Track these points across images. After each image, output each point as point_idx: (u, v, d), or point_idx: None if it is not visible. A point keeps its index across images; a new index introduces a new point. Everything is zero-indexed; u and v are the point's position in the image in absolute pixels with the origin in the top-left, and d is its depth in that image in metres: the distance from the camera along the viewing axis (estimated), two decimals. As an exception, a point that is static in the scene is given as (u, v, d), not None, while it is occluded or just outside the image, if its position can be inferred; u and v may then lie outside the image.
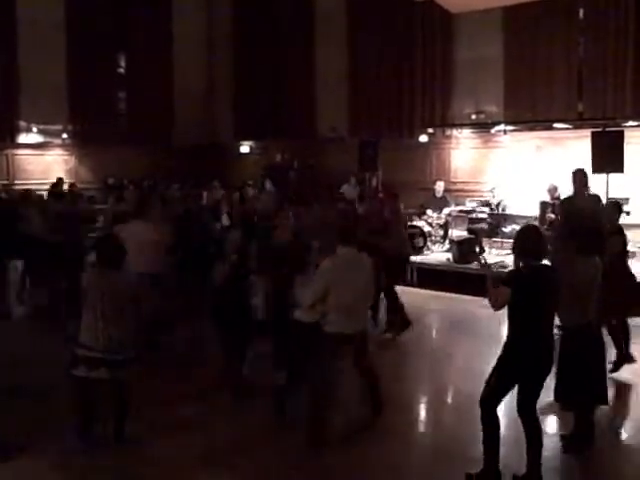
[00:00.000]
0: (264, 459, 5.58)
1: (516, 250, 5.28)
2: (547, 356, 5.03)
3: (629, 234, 12.21)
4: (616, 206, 8.22)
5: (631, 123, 12.92)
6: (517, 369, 4.98)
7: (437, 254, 13.27)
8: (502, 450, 5.05)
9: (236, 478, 5.34)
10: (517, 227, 11.50)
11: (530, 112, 14.78)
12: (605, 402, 5.75)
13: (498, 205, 13.49)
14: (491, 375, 5.13)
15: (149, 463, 5.48)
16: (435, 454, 5.78)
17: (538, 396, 5.04)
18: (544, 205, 11.80)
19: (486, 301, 5.12)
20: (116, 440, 5.72)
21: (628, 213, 9.99)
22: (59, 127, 19.00)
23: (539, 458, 5.00)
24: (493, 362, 5.11)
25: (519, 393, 5.02)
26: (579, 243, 5.58)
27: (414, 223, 13.64)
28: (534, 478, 4.99)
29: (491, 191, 13.87)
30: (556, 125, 14.18)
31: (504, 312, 5.02)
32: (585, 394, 5.58)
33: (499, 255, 12.13)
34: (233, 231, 8.16)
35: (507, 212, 13.30)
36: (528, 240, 5.13)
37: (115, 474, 5.32)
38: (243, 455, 5.65)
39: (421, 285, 11.92)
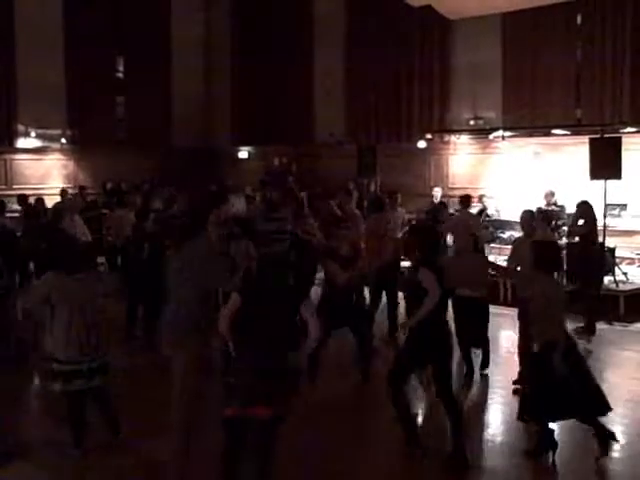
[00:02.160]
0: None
1: (416, 247, 5.75)
2: (449, 341, 5.71)
3: (629, 240, 12.42)
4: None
5: (629, 129, 12.95)
6: (427, 354, 5.54)
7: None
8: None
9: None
10: (515, 233, 11.53)
11: (528, 118, 14.81)
12: (602, 413, 5.71)
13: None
14: (402, 355, 5.71)
15: (146, 465, 5.46)
16: (436, 459, 5.78)
17: (451, 376, 5.75)
18: (540, 212, 11.81)
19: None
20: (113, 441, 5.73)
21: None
22: (57, 131, 18.98)
23: (462, 434, 5.49)
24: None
25: (436, 378, 5.61)
26: (540, 261, 5.76)
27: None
28: (460, 456, 5.45)
29: (480, 199, 13.82)
30: (554, 131, 14.21)
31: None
32: (573, 409, 5.59)
33: (497, 260, 12.10)
34: None
35: (505, 218, 13.28)
36: (427, 238, 5.73)
37: (113, 476, 5.29)
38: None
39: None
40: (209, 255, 5.00)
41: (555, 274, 5.84)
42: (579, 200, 10.09)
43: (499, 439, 6.18)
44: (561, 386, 5.43)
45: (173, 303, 4.96)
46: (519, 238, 7.97)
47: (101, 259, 11.33)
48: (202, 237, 5.12)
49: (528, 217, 7.70)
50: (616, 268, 10.90)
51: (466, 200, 11.66)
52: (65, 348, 5.44)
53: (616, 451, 5.90)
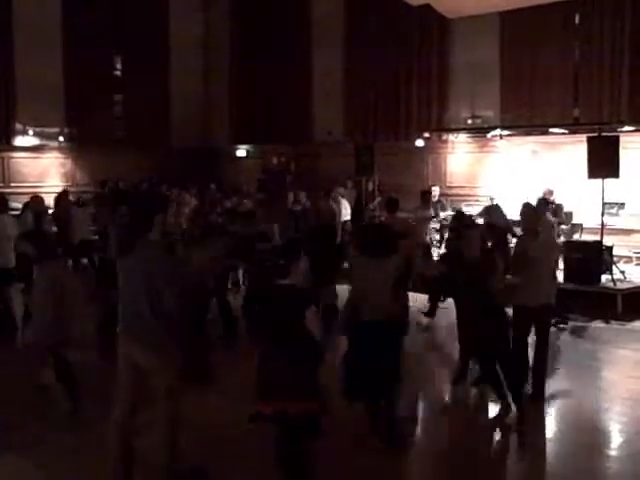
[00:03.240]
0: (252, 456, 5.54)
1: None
2: None
3: (626, 238, 12.45)
4: None
5: (627, 128, 12.96)
6: None
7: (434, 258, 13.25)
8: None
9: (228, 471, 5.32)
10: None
11: (526, 117, 14.82)
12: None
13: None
14: None
15: (144, 465, 5.41)
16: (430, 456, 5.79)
17: None
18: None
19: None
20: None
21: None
22: (55, 130, 18.96)
23: None
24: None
25: None
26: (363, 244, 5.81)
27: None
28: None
29: (490, 200, 13.77)
30: (552, 130, 14.22)
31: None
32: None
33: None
34: None
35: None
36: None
37: (102, 476, 5.26)
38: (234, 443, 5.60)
39: (417, 289, 11.89)
40: (162, 267, 4.67)
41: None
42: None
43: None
44: (359, 369, 5.55)
45: (142, 308, 4.71)
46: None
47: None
48: (150, 246, 4.76)
49: (530, 212, 7.36)
50: (614, 267, 10.91)
51: None
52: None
53: (615, 449, 5.93)
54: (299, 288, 4.75)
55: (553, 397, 6.94)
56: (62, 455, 5.56)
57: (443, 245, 13.48)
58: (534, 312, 6.67)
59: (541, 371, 6.84)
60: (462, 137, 16.08)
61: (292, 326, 4.57)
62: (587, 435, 6.15)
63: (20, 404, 6.62)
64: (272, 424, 4.63)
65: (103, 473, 5.00)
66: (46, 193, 15.62)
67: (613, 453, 5.84)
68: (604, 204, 11.29)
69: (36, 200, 11.57)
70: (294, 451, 4.60)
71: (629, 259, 12.19)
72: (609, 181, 11.12)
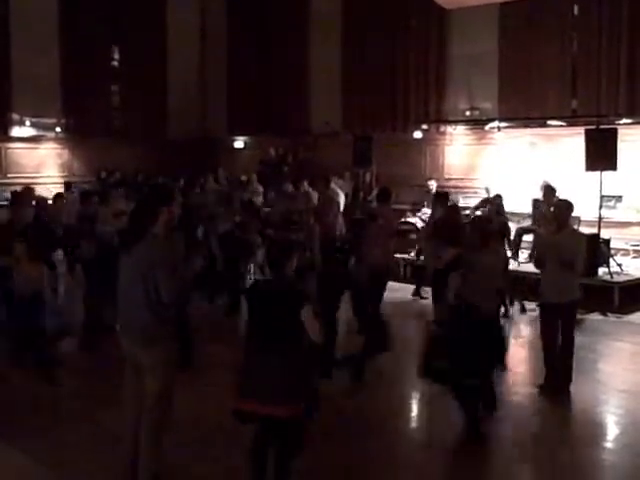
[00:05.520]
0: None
1: None
2: None
3: (624, 231, 12.45)
4: None
5: (625, 121, 12.96)
6: None
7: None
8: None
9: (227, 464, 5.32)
10: (511, 224, 11.58)
11: (524, 109, 14.79)
12: None
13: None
14: None
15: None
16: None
17: None
18: (536, 203, 11.82)
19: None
20: None
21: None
22: (52, 120, 18.90)
23: None
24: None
25: None
26: None
27: (408, 220, 13.64)
28: None
29: (486, 190, 13.78)
30: (550, 122, 14.21)
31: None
32: None
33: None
34: None
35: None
36: None
37: (103, 469, 5.27)
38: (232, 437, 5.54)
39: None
40: (157, 261, 4.58)
41: None
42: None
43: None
44: None
45: (135, 303, 4.65)
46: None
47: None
48: (149, 241, 4.65)
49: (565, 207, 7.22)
50: (611, 260, 10.93)
51: None
52: None
53: (612, 441, 5.97)
54: (294, 287, 4.67)
55: (550, 389, 6.96)
56: (63, 449, 5.54)
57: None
58: (557, 309, 6.79)
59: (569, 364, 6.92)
60: (460, 129, 16.06)
61: (284, 325, 4.48)
62: (584, 427, 6.19)
63: (21, 398, 6.62)
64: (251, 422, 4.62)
65: (104, 467, 5.02)
66: (43, 184, 15.66)
67: (610, 445, 5.89)
68: (602, 197, 11.29)
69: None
70: (265, 450, 4.60)
71: (626, 252, 12.22)
72: (607, 174, 11.13)
